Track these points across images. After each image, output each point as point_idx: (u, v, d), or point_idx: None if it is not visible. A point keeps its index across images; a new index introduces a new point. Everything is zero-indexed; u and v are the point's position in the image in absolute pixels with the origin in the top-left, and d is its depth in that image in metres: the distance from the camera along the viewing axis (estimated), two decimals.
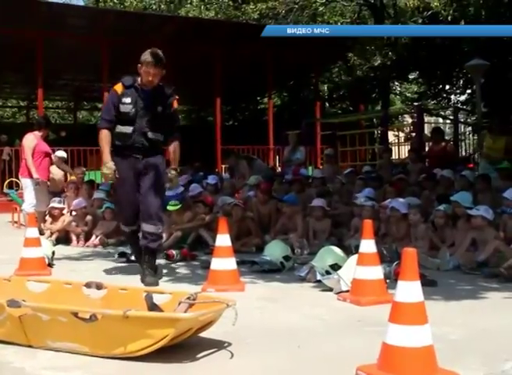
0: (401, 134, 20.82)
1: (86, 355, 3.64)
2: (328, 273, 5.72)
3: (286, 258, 6.72)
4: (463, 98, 21.42)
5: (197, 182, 10.75)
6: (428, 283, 5.49)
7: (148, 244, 6.14)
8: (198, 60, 18.70)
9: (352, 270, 5.15)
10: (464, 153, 15.93)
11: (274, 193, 9.65)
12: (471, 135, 17.48)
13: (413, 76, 20.83)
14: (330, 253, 6.08)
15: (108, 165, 5.97)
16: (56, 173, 11.52)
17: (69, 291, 4.59)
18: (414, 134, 14.57)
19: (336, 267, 5.70)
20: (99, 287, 4.45)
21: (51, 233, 9.55)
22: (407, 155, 15.72)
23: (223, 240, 5.74)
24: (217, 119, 18.78)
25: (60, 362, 3.56)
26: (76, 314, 3.69)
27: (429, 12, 14.21)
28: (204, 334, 3.86)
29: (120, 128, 6.04)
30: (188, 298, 3.88)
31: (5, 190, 15.00)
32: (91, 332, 3.65)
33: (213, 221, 8.27)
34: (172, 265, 7.30)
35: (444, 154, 10.43)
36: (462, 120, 18.94)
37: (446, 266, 6.70)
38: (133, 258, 7.41)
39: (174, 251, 7.60)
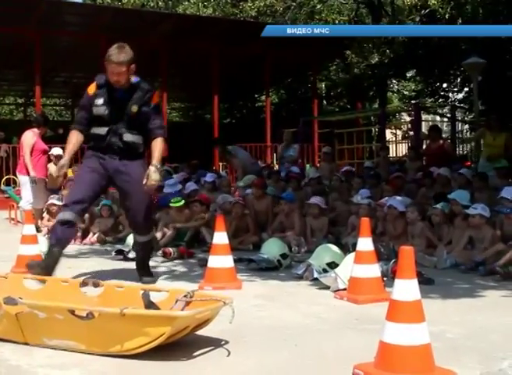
0: (398, 132, 20.85)
1: (83, 353, 3.63)
2: (325, 271, 5.72)
3: (283, 256, 6.72)
4: (460, 96, 21.44)
5: (198, 179, 10.78)
6: (425, 281, 5.50)
7: (143, 252, 6.10)
8: (196, 57, 18.70)
9: (349, 268, 5.15)
10: (461, 151, 15.95)
11: (270, 190, 9.64)
12: (468, 133, 17.50)
13: (410, 74, 20.84)
14: (327, 251, 6.08)
15: (60, 163, 5.74)
16: (54, 170, 11.50)
17: (66, 288, 4.59)
18: (411, 132, 14.56)
19: (333, 265, 5.70)
20: (96, 284, 4.45)
21: (48, 231, 9.53)
22: (404, 152, 15.76)
23: (220, 238, 5.74)
24: (214, 117, 18.77)
25: (57, 360, 3.56)
26: (72, 312, 3.68)
27: (427, 11, 14.23)
28: (201, 332, 3.85)
29: (94, 129, 5.74)
30: (185, 296, 3.88)
31: (3, 187, 14.97)
32: (88, 330, 3.65)
33: (212, 219, 8.26)
34: (169, 263, 7.29)
35: (441, 152, 10.43)
36: (459, 118, 18.96)
37: (443, 264, 6.71)
38: (130, 255, 7.41)
39: (171, 249, 7.59)
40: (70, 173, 11.51)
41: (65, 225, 5.62)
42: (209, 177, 10.49)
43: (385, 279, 5.33)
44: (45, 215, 9.97)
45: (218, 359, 3.56)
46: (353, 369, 3.21)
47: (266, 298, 5.24)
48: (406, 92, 26.36)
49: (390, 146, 17.21)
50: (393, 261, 5.75)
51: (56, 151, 11.77)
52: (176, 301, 3.88)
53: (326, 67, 22.70)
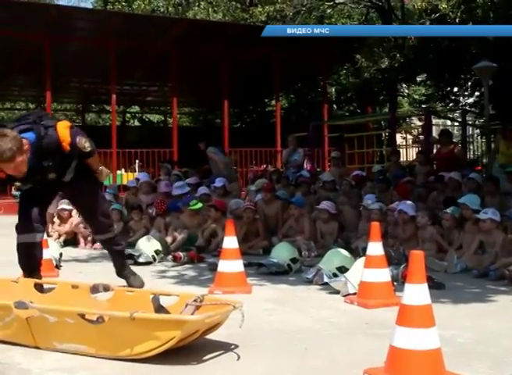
0: (409, 136, 20.79)
1: (92, 357, 3.64)
2: (335, 275, 5.72)
3: (293, 260, 6.71)
4: (471, 100, 21.36)
5: (209, 185, 10.82)
6: (435, 286, 5.48)
7: (114, 247, 5.89)
8: (206, 62, 18.74)
9: (359, 273, 5.14)
10: (471, 156, 15.89)
11: (282, 194, 9.65)
12: (479, 137, 17.43)
13: (421, 79, 20.77)
14: (337, 255, 6.07)
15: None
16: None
17: (76, 292, 4.60)
18: (421, 137, 14.53)
19: (343, 270, 5.69)
20: (106, 288, 4.46)
21: (59, 235, 9.57)
22: (414, 157, 15.71)
23: (230, 242, 5.74)
24: (224, 122, 18.80)
25: (67, 363, 3.57)
26: (83, 316, 3.69)
27: (437, 15, 14.20)
28: (210, 336, 3.85)
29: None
30: (195, 301, 3.88)
31: (13, 192, 15.03)
32: (98, 334, 3.66)
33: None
34: (179, 267, 7.30)
35: (452, 156, 10.40)
36: (470, 122, 18.90)
37: (453, 268, 6.68)
38: (140, 260, 7.43)
39: (181, 254, 7.60)
40: None
41: None
42: (219, 182, 10.49)
43: (395, 283, 5.31)
44: (56, 220, 9.99)
45: (228, 363, 3.56)
46: (364, 373, 3.20)
47: (276, 303, 5.23)
48: (416, 96, 26.30)
49: (400, 150, 17.17)
50: (403, 265, 5.73)
51: None
52: (186, 306, 3.88)
53: (336, 71, 22.70)
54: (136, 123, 33.14)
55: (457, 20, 12.76)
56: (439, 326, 3.16)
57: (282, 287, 5.98)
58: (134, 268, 7.11)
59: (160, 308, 3.98)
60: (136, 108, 31.30)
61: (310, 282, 5.94)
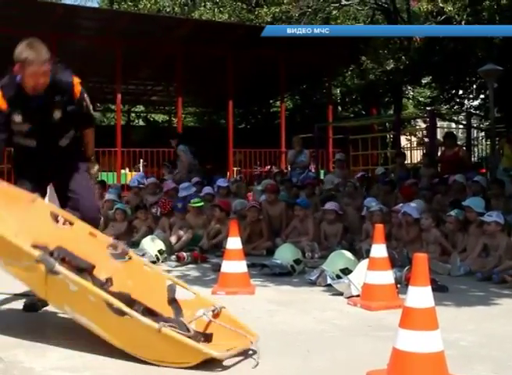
0: (414, 139, 20.78)
1: (96, 355, 3.63)
2: (338, 277, 5.72)
3: (297, 261, 6.72)
4: (476, 103, 21.34)
5: (209, 183, 10.84)
6: (439, 288, 5.48)
7: None
8: (211, 63, 18.74)
9: (363, 275, 5.14)
10: (476, 158, 15.87)
11: (282, 196, 9.67)
12: (484, 140, 17.41)
13: (426, 81, 20.75)
14: (341, 257, 6.07)
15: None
16: None
17: (93, 241, 4.49)
18: (426, 139, 14.51)
19: (346, 271, 5.69)
20: (124, 253, 4.38)
21: None
22: (419, 159, 15.70)
23: (234, 242, 5.74)
24: (229, 122, 18.80)
25: (70, 363, 3.56)
26: (110, 304, 3.62)
27: (443, 17, 14.18)
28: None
29: (22, 140, 4.88)
30: (212, 311, 3.85)
31: None
32: (118, 324, 3.61)
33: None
34: (183, 267, 7.30)
35: (456, 159, 10.39)
36: (475, 125, 18.87)
37: (457, 271, 6.68)
38: (144, 259, 7.43)
39: (185, 254, 7.61)
40: None
41: None
42: (222, 182, 10.50)
43: (398, 286, 5.30)
44: (60, 218, 9.99)
45: (231, 364, 3.55)
46: None
47: (279, 304, 5.23)
48: (421, 99, 26.28)
49: (405, 152, 17.16)
50: (407, 268, 5.73)
51: None
52: (201, 313, 3.85)
53: (341, 73, 22.69)
54: (141, 123, 33.16)
55: (463, 23, 12.75)
56: (443, 329, 3.16)
57: (286, 288, 5.98)
58: None
59: (173, 301, 3.93)
60: (141, 108, 31.32)
61: (313, 283, 5.95)
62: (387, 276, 5.02)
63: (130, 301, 3.87)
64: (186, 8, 23.33)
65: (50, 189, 10.26)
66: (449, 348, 3.35)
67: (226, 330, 3.78)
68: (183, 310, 3.97)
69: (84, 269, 4.01)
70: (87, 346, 3.81)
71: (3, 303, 5.11)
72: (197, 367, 3.43)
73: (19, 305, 4.86)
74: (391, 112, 22.61)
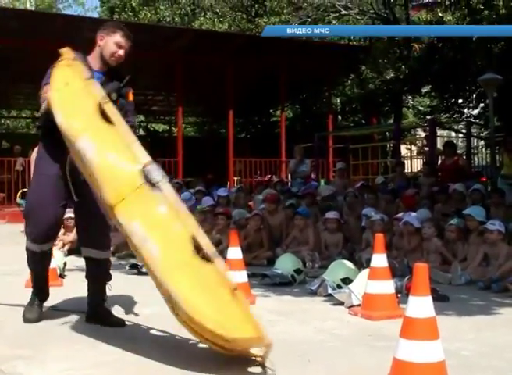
0: (414, 148, 20.78)
1: (97, 367, 3.62)
2: (339, 286, 5.71)
3: (297, 271, 6.70)
4: (476, 111, 21.35)
5: (208, 193, 10.84)
6: (439, 298, 5.47)
7: (106, 272, 5.01)
8: (211, 72, 18.79)
9: (363, 284, 5.14)
10: (476, 167, 15.86)
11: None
12: (483, 149, 17.42)
13: (426, 90, 20.78)
14: (341, 267, 6.06)
15: None
16: None
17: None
18: (426, 148, 14.52)
19: (347, 281, 5.68)
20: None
21: (64, 244, 9.57)
22: (419, 168, 15.71)
23: (235, 252, 5.74)
24: (229, 132, 18.83)
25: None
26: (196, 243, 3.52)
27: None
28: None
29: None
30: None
31: (18, 200, 15.06)
32: (192, 264, 3.51)
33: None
34: None
35: (456, 168, 10.40)
36: (475, 134, 18.89)
37: (457, 280, 6.67)
38: (144, 270, 7.41)
39: None
40: None
41: None
42: (222, 192, 10.50)
43: (399, 295, 5.30)
44: (61, 228, 10.00)
45: (231, 374, 3.54)
46: None
47: (280, 314, 5.22)
48: (421, 108, 26.31)
49: (405, 162, 17.17)
50: (408, 277, 5.72)
51: None
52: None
53: (341, 83, 22.73)
54: (141, 133, 33.21)
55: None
56: (443, 339, 3.15)
57: (286, 298, 5.97)
58: (138, 277, 7.15)
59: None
60: (141, 118, 31.38)
61: (314, 293, 5.93)
62: (388, 286, 5.01)
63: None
64: (186, 18, 23.37)
65: None
66: (450, 358, 3.34)
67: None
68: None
69: None
70: (86, 358, 3.81)
71: (3, 314, 5.10)
72: (193, 368, 3.43)
73: (18, 316, 4.85)
74: (391, 121, 22.64)
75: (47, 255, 4.78)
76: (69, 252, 9.28)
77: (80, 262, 8.50)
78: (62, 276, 7.06)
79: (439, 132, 17.97)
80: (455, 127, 21.45)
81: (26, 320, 4.72)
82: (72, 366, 3.68)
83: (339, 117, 26.21)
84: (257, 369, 3.61)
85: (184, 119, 25.00)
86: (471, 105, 20.33)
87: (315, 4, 17.38)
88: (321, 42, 18.70)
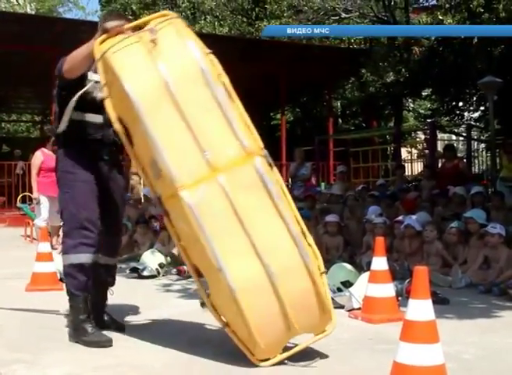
0: (414, 151, 20.78)
1: (98, 372, 3.61)
2: (339, 290, 5.70)
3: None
4: (476, 115, 21.37)
5: None
6: (440, 301, 5.47)
7: (110, 280, 4.78)
8: None
9: (364, 287, 5.13)
10: (476, 170, 15.87)
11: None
12: (484, 152, 17.42)
13: (426, 93, 20.80)
14: (342, 270, 6.05)
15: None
16: None
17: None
18: (426, 151, 14.52)
19: (347, 284, 5.67)
20: None
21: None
22: (420, 171, 15.71)
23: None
24: None
25: None
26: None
27: None
28: (212, 350, 3.84)
29: (87, 116, 4.42)
30: None
31: (18, 204, 15.07)
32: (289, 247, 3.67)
33: None
34: (184, 281, 7.28)
35: (456, 171, 10.40)
36: (475, 137, 18.89)
37: (458, 283, 6.66)
38: (144, 273, 7.43)
39: (185, 267, 7.58)
40: None
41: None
42: None
43: (399, 298, 5.29)
44: (61, 232, 9.99)
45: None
46: None
47: None
48: (421, 111, 26.31)
49: (406, 165, 17.18)
50: (408, 280, 5.72)
51: None
52: None
53: (341, 86, 22.75)
54: None
55: (462, 36, 12.79)
56: (444, 342, 3.15)
57: None
58: (138, 281, 7.15)
59: None
60: None
61: None
62: (388, 289, 5.01)
63: None
64: (186, 21, 23.39)
65: (48, 201, 10.21)
66: (451, 361, 3.34)
67: None
68: None
69: None
70: (86, 362, 3.80)
71: (3, 318, 5.10)
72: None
73: (18, 320, 4.85)
74: (391, 124, 22.64)
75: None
76: None
77: None
78: (62, 280, 7.03)
79: (440, 135, 17.99)
80: (455, 130, 21.45)
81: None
82: (72, 369, 3.68)
83: (340, 120, 26.22)
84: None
85: None
86: (471, 108, 20.34)
87: (315, 7, 17.38)
88: (322, 45, 18.72)
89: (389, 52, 16.51)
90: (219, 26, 21.34)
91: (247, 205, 3.63)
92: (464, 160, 13.08)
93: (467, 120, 21.08)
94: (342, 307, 5.34)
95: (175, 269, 7.66)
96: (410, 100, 23.99)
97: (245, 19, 21.79)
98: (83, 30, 16.01)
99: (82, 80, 4.28)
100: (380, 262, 5.01)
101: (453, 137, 23.24)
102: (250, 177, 3.70)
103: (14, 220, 14.60)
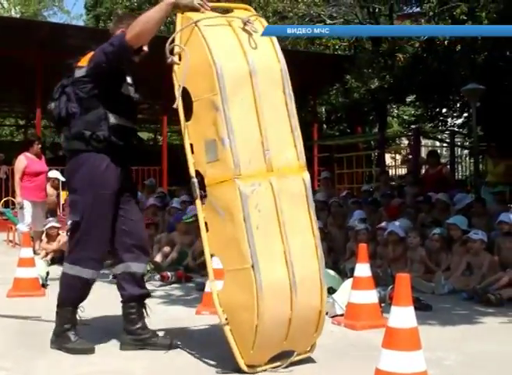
0: (398, 157, 20.85)
1: None
2: None
3: None
4: (459, 121, 21.49)
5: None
6: (422, 307, 5.49)
7: (145, 292, 4.53)
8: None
9: (347, 294, 5.14)
10: (460, 177, 15.95)
11: None
12: (467, 158, 17.53)
13: (410, 99, 20.90)
14: (325, 276, 6.04)
15: None
16: (51, 193, 11.55)
17: None
18: (410, 157, 14.58)
19: (330, 291, 5.66)
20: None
21: (47, 253, 9.51)
22: (400, 176, 15.76)
23: (218, 262, 5.71)
24: None
25: None
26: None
27: (426, 37, 14.33)
28: (194, 355, 3.83)
29: (121, 119, 4.22)
30: None
31: (1, 209, 14.95)
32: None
33: None
34: (167, 287, 7.27)
35: (440, 177, 10.45)
36: (458, 144, 18.98)
37: (441, 290, 6.69)
38: None
39: (169, 273, 7.57)
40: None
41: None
42: None
43: (382, 305, 5.31)
44: (43, 237, 9.94)
45: None
46: None
47: None
48: (406, 117, 26.42)
49: (390, 171, 17.23)
50: (391, 287, 5.73)
51: (52, 174, 11.78)
52: None
53: (326, 91, 22.81)
54: None
55: (446, 42, 12.87)
56: (426, 348, 3.16)
57: None
58: None
59: None
60: None
61: None
62: (371, 296, 5.03)
63: None
64: (171, 26, 23.36)
65: (32, 206, 10.14)
66: (433, 368, 3.35)
67: None
68: None
69: None
70: (68, 369, 3.79)
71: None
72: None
73: (14, 329, 4.81)
74: (376, 130, 22.72)
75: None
76: (52, 261, 9.22)
77: None
78: (44, 285, 7.01)
79: (423, 141, 18.07)
80: (439, 137, 21.56)
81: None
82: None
83: (325, 126, 26.28)
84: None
85: (170, 128, 24.96)
86: (454, 114, 20.46)
87: (301, 13, 17.42)
88: (307, 51, 18.75)
89: (373, 59, 16.59)
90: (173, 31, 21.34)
91: (289, 212, 3.73)
92: (448, 166, 13.15)
93: (450, 126, 21.19)
94: (325, 313, 5.33)
95: (158, 275, 7.63)
96: (394, 106, 24.08)
97: None
98: (69, 34, 16.03)
99: (119, 75, 4.21)
100: (363, 269, 5.02)
101: (437, 143, 23.34)
102: (297, 188, 3.83)
103: None
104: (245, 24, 3.84)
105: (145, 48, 4.30)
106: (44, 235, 9.94)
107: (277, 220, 3.67)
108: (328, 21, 17.52)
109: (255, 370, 3.66)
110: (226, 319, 3.67)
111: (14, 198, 12.30)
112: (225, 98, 3.63)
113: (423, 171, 12.20)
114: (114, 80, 4.15)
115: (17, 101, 22.76)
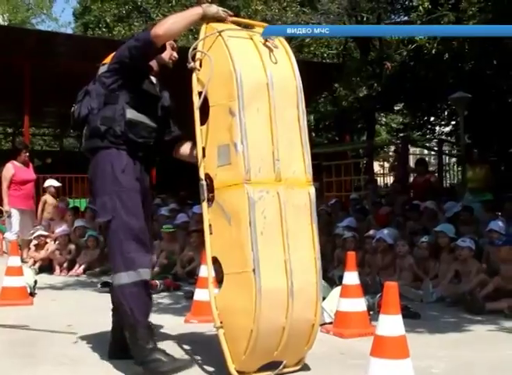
0: (386, 165, 20.92)
1: None
2: None
3: None
4: (447, 129, 21.62)
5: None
6: (411, 315, 5.50)
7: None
8: (188, 90, 18.77)
9: (335, 302, 5.15)
10: (447, 184, 16.03)
11: None
12: (455, 166, 17.62)
13: (398, 108, 21.02)
14: None
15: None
16: (50, 202, 11.50)
17: None
18: (397, 164, 14.63)
19: None
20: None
21: (35, 262, 9.48)
22: (389, 184, 15.82)
23: (206, 270, 5.70)
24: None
25: None
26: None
27: (414, 45, 14.42)
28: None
29: (143, 117, 4.08)
30: None
31: None
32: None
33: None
34: (155, 295, 7.24)
35: (428, 185, 10.49)
36: (446, 151, 19.09)
37: (429, 297, 6.71)
38: None
39: (157, 281, 7.55)
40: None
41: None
42: (198, 209, 10.43)
43: (371, 312, 5.32)
44: (31, 246, 9.91)
45: None
46: None
47: None
48: (394, 125, 26.54)
49: (378, 178, 17.29)
50: (380, 295, 5.73)
51: (47, 182, 11.77)
52: None
53: (314, 99, 22.87)
54: None
55: (433, 51, 12.95)
56: (414, 356, 3.17)
57: None
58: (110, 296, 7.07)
59: None
60: None
61: None
62: (360, 304, 5.04)
63: None
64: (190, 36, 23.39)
65: (20, 214, 10.10)
66: None
67: None
68: None
69: None
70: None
71: None
72: None
73: (2, 338, 4.79)
74: (364, 138, 22.81)
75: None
76: (40, 270, 9.19)
77: (51, 280, 8.44)
78: (32, 294, 6.97)
79: (411, 149, 18.15)
80: (427, 145, 21.68)
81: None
82: None
83: (313, 134, 26.35)
84: None
85: None
86: (442, 122, 20.59)
87: (289, 22, 17.48)
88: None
89: (361, 67, 16.68)
90: (193, 38, 21.37)
91: (293, 223, 3.78)
92: (436, 174, 13.21)
93: (438, 134, 21.31)
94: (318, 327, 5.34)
95: None
96: (382, 114, 24.23)
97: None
98: (57, 42, 16.00)
99: (142, 72, 4.13)
100: (352, 277, 5.03)
101: (425, 151, 23.47)
102: (303, 200, 3.88)
103: None
104: (266, 40, 3.99)
105: (175, 54, 4.35)
106: (31, 243, 9.90)
107: (281, 229, 3.72)
108: None
109: None
110: (221, 322, 3.66)
111: (1, 206, 12.25)
112: (242, 106, 3.72)
113: (411, 179, 12.25)
114: (135, 75, 4.07)
115: (5, 108, 22.67)
